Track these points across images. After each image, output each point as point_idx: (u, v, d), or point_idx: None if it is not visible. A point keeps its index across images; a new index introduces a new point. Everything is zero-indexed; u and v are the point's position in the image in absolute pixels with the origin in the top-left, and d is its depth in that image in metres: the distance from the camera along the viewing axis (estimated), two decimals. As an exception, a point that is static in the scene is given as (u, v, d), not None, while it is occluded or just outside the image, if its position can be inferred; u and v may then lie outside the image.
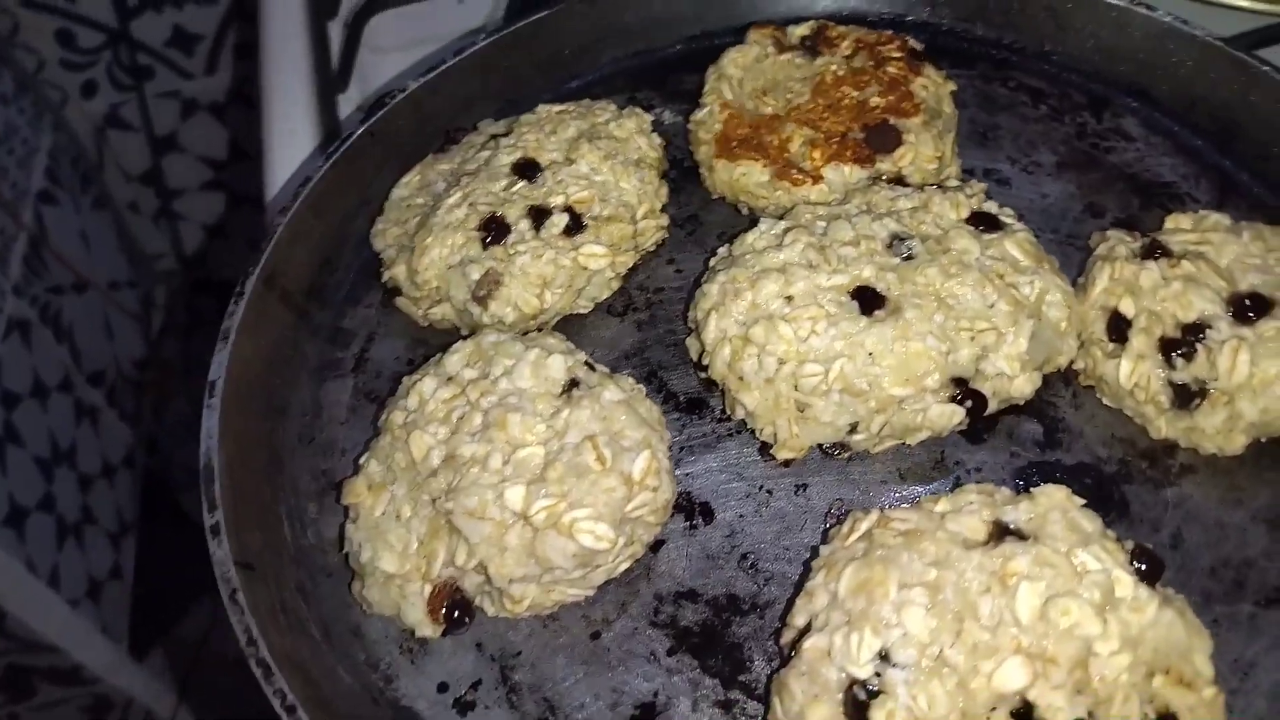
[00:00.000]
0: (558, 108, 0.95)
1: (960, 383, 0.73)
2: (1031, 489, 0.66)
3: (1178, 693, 0.59)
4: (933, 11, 1.08)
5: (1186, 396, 0.72)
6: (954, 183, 0.84)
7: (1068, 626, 0.59)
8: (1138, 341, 0.74)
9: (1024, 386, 0.74)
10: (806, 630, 0.64)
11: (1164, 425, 0.74)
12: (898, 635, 0.60)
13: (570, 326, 0.87)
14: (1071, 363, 0.78)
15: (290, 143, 1.21)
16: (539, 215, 0.85)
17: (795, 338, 0.73)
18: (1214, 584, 0.69)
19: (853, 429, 0.74)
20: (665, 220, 0.91)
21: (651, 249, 0.91)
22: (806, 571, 0.69)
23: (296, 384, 0.87)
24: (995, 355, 0.73)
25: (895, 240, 0.77)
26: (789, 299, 0.75)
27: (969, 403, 0.73)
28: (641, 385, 0.77)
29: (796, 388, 0.74)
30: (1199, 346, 0.72)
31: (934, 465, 0.77)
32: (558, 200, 0.86)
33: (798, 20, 1.05)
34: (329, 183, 0.92)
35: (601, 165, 0.88)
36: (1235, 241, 0.77)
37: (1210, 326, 0.72)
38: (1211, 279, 0.74)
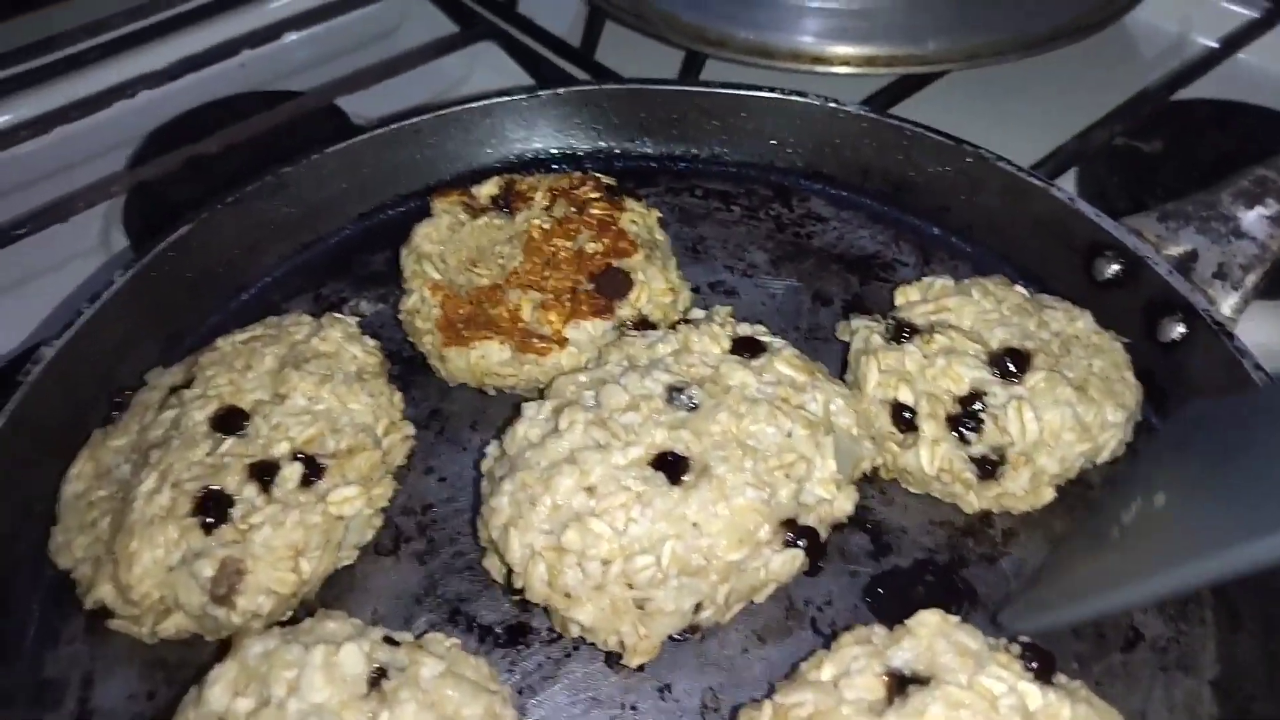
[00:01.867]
0: (242, 335, 0.81)
1: (789, 524, 0.69)
2: (905, 621, 0.62)
3: (1115, 783, 0.57)
4: (598, 137, 1.06)
5: (989, 466, 0.73)
6: (699, 313, 0.81)
7: (1005, 766, 0.55)
8: (928, 427, 0.74)
9: (845, 505, 0.71)
10: None
11: (975, 499, 0.75)
12: (851, 844, 0.53)
13: (340, 587, 0.74)
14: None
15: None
16: (264, 473, 0.71)
17: (613, 532, 0.66)
18: (1081, 645, 0.69)
19: (698, 608, 0.68)
20: (409, 429, 0.80)
21: (403, 463, 0.80)
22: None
23: (1, 782, 0.66)
24: (810, 484, 0.70)
25: (673, 393, 0.72)
26: (590, 490, 0.67)
27: (803, 541, 0.69)
28: (455, 640, 0.65)
29: (631, 586, 0.66)
30: (983, 415, 0.73)
31: (786, 614, 0.72)
32: (281, 448, 0.72)
33: (474, 177, 1.00)
34: (-31, 505, 0.72)
35: (320, 392, 0.76)
36: (969, 302, 0.80)
37: (985, 393, 0.74)
38: (967, 345, 0.76)
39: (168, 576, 0.68)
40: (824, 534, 0.71)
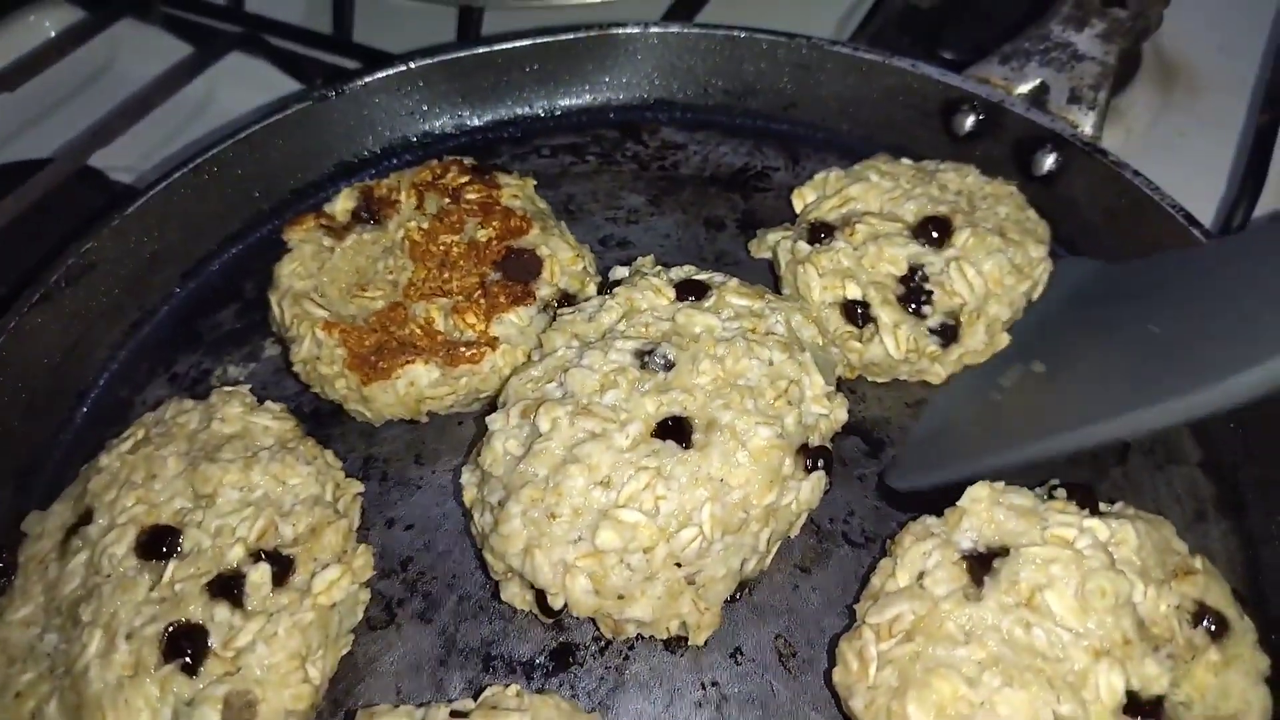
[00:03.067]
0: (124, 445, 0.69)
1: (803, 449, 0.67)
2: (956, 504, 0.62)
3: (1189, 583, 0.60)
4: (419, 122, 0.97)
5: (948, 332, 0.74)
6: (621, 271, 0.76)
7: (1110, 603, 0.56)
8: (884, 314, 0.74)
9: (841, 414, 0.70)
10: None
11: (941, 369, 0.76)
12: (1011, 729, 0.53)
13: (348, 680, 0.65)
14: (832, 365, 0.76)
15: None
16: (228, 587, 0.61)
17: (647, 517, 0.61)
18: (1082, 471, 0.72)
19: (742, 564, 0.65)
20: (357, 485, 0.71)
21: (360, 524, 0.71)
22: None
23: None
24: (807, 404, 0.68)
25: (644, 357, 0.68)
26: (605, 483, 0.62)
27: (821, 462, 0.67)
28: (513, 685, 0.59)
29: (679, 564, 0.62)
30: (929, 286, 0.74)
31: (819, 538, 0.71)
32: (235, 554, 0.62)
33: (300, 198, 0.90)
34: None
35: (249, 477, 0.66)
36: (869, 186, 0.80)
37: (923, 265, 0.74)
38: (887, 226, 0.76)
39: (164, 738, 0.57)
40: (832, 448, 0.70)
